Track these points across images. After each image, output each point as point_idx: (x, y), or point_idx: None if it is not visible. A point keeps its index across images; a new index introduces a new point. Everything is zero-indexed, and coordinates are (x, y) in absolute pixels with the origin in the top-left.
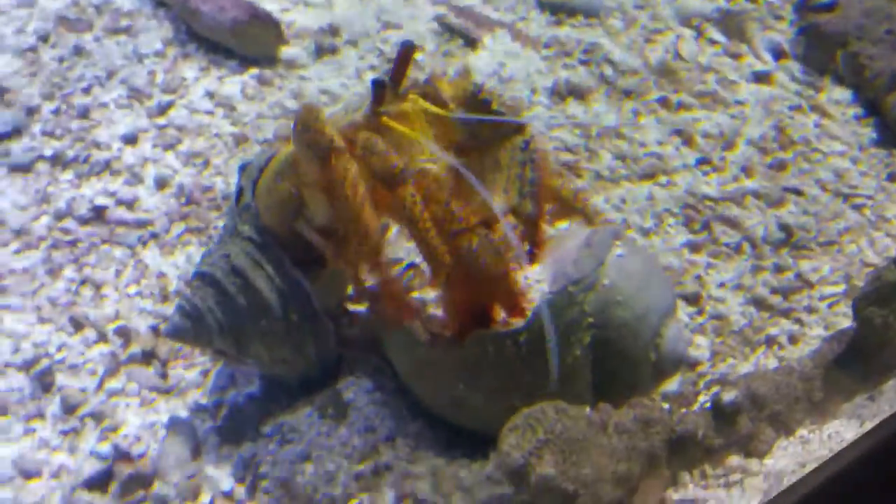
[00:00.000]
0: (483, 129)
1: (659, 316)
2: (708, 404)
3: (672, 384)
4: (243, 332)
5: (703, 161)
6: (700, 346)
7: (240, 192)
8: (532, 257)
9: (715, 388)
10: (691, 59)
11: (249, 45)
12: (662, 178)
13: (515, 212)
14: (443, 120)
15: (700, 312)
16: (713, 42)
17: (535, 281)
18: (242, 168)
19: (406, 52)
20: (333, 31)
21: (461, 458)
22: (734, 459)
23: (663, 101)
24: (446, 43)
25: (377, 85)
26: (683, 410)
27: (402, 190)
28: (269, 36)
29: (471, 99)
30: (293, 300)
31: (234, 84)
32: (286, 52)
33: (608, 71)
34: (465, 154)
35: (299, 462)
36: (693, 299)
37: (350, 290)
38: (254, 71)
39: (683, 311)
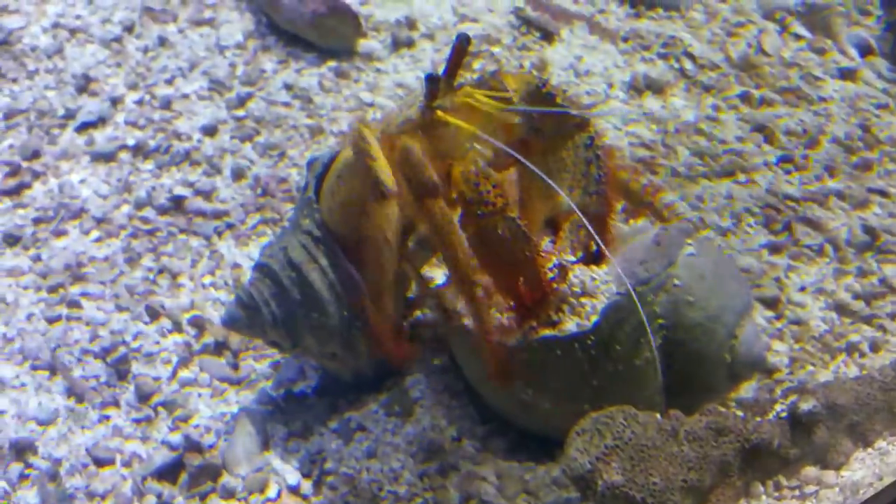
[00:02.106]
0: (545, 125)
1: (734, 317)
2: (785, 413)
3: (747, 391)
4: (295, 324)
5: (785, 159)
6: (778, 352)
7: (307, 186)
8: (599, 257)
9: (792, 397)
10: (775, 53)
11: (328, 37)
12: (742, 176)
13: (580, 209)
14: (502, 114)
15: (779, 317)
16: (797, 37)
17: (603, 282)
18: (310, 163)
19: (461, 44)
20: (410, 23)
21: (528, 462)
22: (810, 470)
23: (745, 97)
24: (522, 36)
25: (430, 80)
26: (758, 419)
27: (431, 203)
28: (347, 28)
29: (534, 93)
30: (346, 296)
31: (311, 76)
32: (364, 44)
33: (688, 65)
34: (527, 152)
35: (365, 459)
36: (772, 303)
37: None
38: (331, 63)
39: (761, 315)
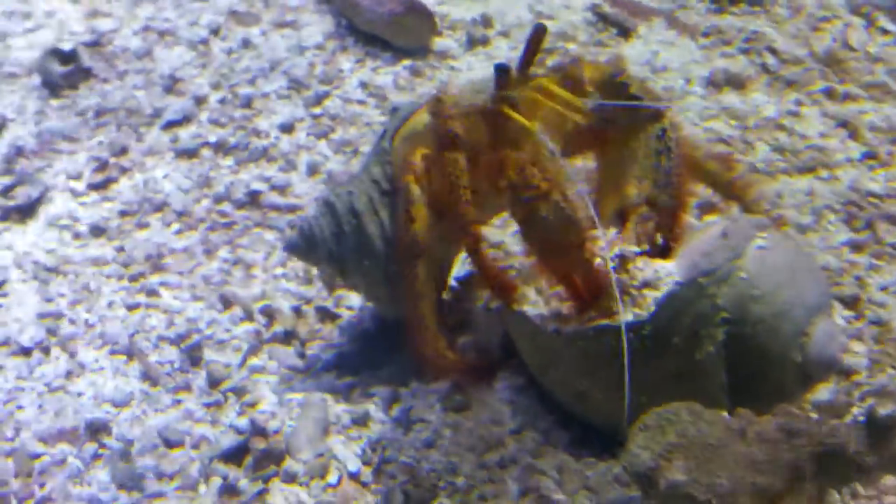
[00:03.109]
0: (617, 115)
1: (806, 313)
2: (862, 417)
3: (823, 392)
4: (347, 265)
5: (869, 155)
6: (857, 354)
7: (384, 134)
8: (667, 251)
9: (871, 400)
10: (860, 48)
11: (404, 36)
12: (824, 173)
13: (650, 203)
14: (573, 105)
15: (858, 317)
16: (884, 31)
17: (667, 274)
18: (394, 109)
19: (537, 35)
20: (486, 22)
21: (589, 457)
22: (889, 479)
23: (829, 92)
24: (599, 33)
25: (500, 70)
26: (834, 422)
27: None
28: (423, 27)
29: (609, 82)
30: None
31: (387, 75)
32: (439, 43)
33: (770, 60)
34: (600, 142)
35: (424, 449)
36: (851, 302)
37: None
38: (407, 62)
39: (840, 315)
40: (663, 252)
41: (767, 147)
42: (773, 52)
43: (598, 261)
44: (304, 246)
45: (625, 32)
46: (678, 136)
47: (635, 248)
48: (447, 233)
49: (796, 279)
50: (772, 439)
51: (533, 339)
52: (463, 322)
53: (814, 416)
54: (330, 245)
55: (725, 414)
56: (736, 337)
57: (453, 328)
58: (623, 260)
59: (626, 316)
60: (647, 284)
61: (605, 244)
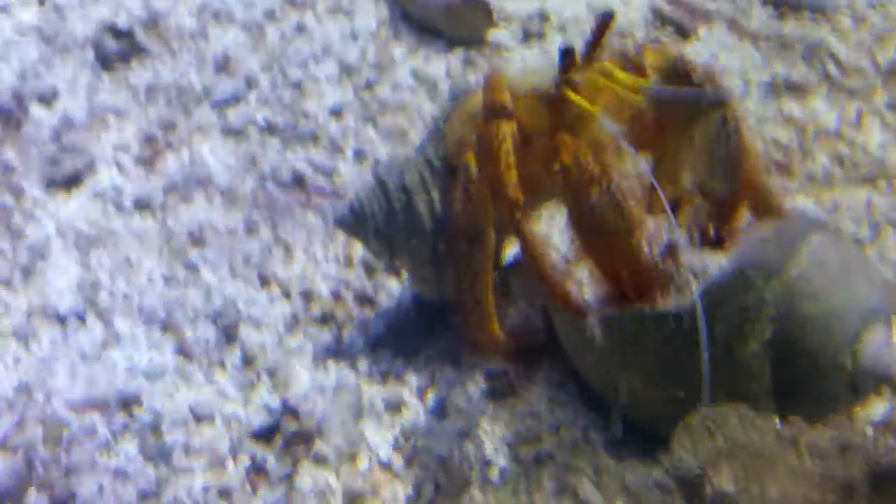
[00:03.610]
0: (678, 101)
1: (859, 318)
2: None
3: (878, 410)
4: (395, 242)
5: None
6: None
7: (443, 115)
8: (720, 242)
9: None
10: None
11: (459, 26)
12: (883, 185)
13: (703, 192)
14: (635, 90)
15: None
16: None
17: (718, 266)
18: (453, 94)
19: (604, 20)
20: (543, 16)
21: (631, 459)
22: None
23: (892, 105)
24: (656, 31)
25: (565, 53)
26: (891, 441)
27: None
28: (478, 18)
29: (672, 68)
30: (447, 233)
31: (439, 64)
32: (494, 34)
33: (832, 69)
34: (660, 129)
35: (458, 439)
36: None
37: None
38: (459, 52)
39: None
40: (716, 244)
41: (827, 157)
42: (836, 60)
43: (646, 252)
44: (353, 221)
45: (683, 33)
46: (739, 125)
47: (686, 238)
48: (494, 217)
49: (852, 282)
50: (825, 453)
51: (572, 321)
52: (509, 302)
53: (869, 432)
54: (378, 221)
55: (776, 420)
56: (783, 336)
57: (501, 309)
58: (672, 249)
59: (667, 304)
60: (695, 276)
61: (668, 239)
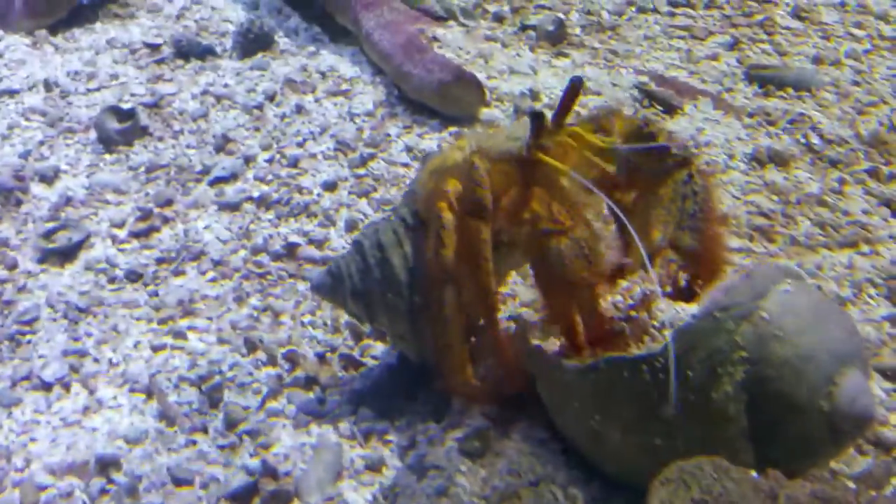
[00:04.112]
0: (646, 163)
1: (832, 360)
2: None
3: (860, 463)
4: (372, 300)
5: None
6: None
7: (416, 178)
8: (691, 294)
9: None
10: None
11: (453, 105)
12: (865, 248)
13: (673, 245)
14: (604, 153)
15: None
16: None
17: (689, 315)
18: (425, 157)
19: (573, 87)
20: (534, 95)
21: None
22: None
23: (873, 172)
24: (644, 109)
25: (536, 117)
26: (873, 493)
27: (475, 224)
28: (472, 96)
29: (636, 133)
30: (421, 283)
31: (432, 140)
32: (486, 113)
33: (815, 140)
34: (628, 190)
35: (436, 497)
36: (892, 375)
37: None
38: (453, 129)
39: (879, 386)
40: (687, 295)
41: (809, 222)
42: (818, 132)
43: (605, 306)
44: (330, 283)
45: (670, 110)
46: (705, 182)
47: (659, 290)
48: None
49: (824, 326)
50: None
51: (548, 374)
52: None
53: (850, 485)
54: (355, 281)
55: (753, 473)
56: (757, 378)
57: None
58: (645, 299)
59: (638, 350)
60: (667, 325)
61: (641, 290)
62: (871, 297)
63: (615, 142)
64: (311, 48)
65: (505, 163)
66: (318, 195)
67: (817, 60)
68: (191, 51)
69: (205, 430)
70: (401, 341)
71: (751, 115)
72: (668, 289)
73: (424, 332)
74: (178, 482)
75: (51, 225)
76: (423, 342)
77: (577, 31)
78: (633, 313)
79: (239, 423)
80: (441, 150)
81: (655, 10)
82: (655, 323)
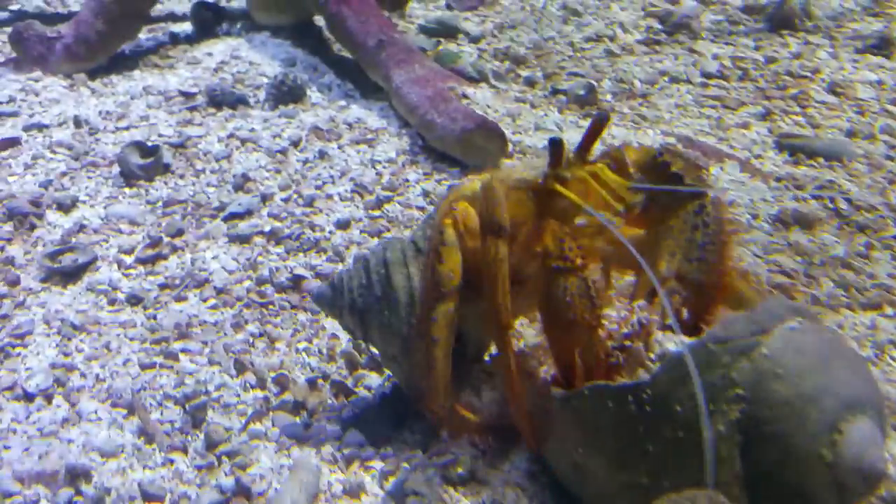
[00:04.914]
0: (659, 194)
1: (837, 405)
2: None
3: None
4: (368, 317)
5: None
6: None
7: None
8: (694, 327)
9: None
10: None
11: (474, 153)
12: (889, 310)
13: (679, 277)
14: (620, 186)
15: None
16: None
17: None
18: (449, 188)
19: (598, 121)
20: None
21: None
22: None
23: None
24: None
25: (554, 144)
26: None
27: (493, 241)
28: (493, 145)
29: (651, 162)
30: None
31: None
32: (507, 164)
33: (842, 205)
34: (644, 221)
35: None
36: None
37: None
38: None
39: None
40: (689, 328)
41: (832, 283)
42: (847, 198)
43: (603, 348)
44: (329, 295)
45: None
46: (718, 213)
47: (659, 321)
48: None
49: (831, 368)
50: None
51: (535, 403)
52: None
53: None
54: (354, 295)
55: None
56: (753, 418)
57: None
58: (643, 329)
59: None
60: (664, 357)
61: (637, 319)
62: (893, 358)
63: (633, 183)
64: (342, 102)
65: (521, 191)
66: (330, 232)
67: (851, 134)
68: (224, 100)
69: (184, 450)
70: (392, 363)
71: (778, 180)
72: (669, 321)
73: (417, 356)
74: (148, 497)
75: (59, 247)
76: (412, 365)
77: (608, 96)
78: (627, 342)
79: (219, 444)
80: (462, 182)
81: (688, 81)
82: (652, 355)
